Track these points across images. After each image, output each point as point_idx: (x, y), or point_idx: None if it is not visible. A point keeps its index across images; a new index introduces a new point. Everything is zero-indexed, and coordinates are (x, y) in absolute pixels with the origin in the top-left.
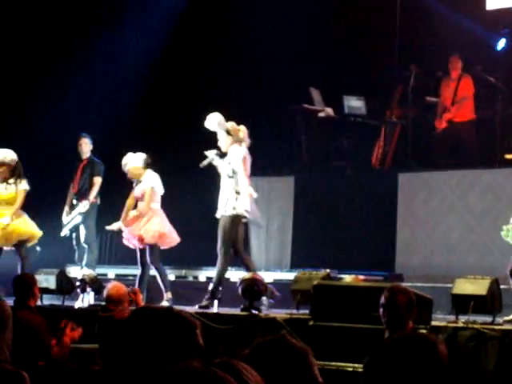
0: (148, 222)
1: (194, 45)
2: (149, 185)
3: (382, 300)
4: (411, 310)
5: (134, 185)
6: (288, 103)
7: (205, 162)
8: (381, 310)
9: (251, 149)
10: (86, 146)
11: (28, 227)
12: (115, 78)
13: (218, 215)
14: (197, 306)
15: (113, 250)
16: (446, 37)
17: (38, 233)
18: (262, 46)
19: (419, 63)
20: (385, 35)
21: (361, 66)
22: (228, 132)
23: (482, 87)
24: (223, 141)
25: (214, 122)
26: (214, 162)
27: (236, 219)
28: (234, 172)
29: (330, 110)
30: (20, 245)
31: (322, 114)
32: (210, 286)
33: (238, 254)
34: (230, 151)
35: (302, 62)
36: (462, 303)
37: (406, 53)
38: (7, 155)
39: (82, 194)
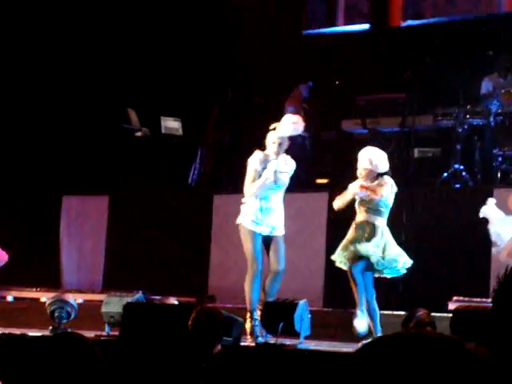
0: None
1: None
2: None
3: (189, 321)
4: (218, 332)
5: None
6: (106, 122)
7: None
8: (188, 331)
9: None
10: None
11: None
12: None
13: (277, 233)
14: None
15: None
16: (263, 61)
17: None
18: (80, 65)
19: (235, 86)
20: (204, 57)
21: (179, 87)
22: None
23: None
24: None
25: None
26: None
27: None
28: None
29: (146, 130)
30: None
31: (138, 134)
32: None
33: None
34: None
35: (120, 82)
36: (271, 324)
37: (224, 76)
38: None
39: None
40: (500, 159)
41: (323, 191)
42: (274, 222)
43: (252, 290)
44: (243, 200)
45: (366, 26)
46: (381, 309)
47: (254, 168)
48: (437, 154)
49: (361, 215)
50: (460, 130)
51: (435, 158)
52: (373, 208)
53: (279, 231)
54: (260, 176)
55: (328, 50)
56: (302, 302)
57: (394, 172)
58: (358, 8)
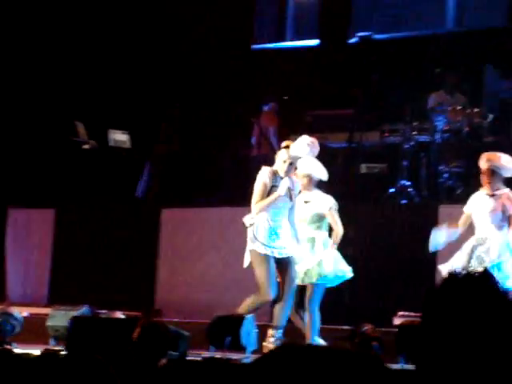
0: None
1: None
2: None
3: (134, 334)
4: (163, 346)
5: None
6: (53, 135)
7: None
8: (133, 345)
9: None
10: None
11: None
12: None
13: (289, 253)
14: None
15: None
16: (212, 75)
17: None
18: (27, 77)
19: (183, 100)
20: (152, 70)
21: (128, 100)
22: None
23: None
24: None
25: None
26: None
27: None
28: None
29: (94, 143)
30: None
31: (86, 147)
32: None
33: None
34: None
35: (67, 94)
36: (218, 338)
37: (173, 89)
38: None
39: None
40: (446, 175)
41: None
42: (285, 243)
43: (248, 312)
44: (248, 221)
45: (314, 42)
46: (326, 323)
47: (264, 183)
48: (383, 170)
49: (301, 230)
50: (407, 147)
51: (382, 174)
52: (312, 223)
53: (290, 251)
54: (269, 192)
55: (276, 65)
56: (248, 317)
57: (339, 187)
58: (307, 24)
